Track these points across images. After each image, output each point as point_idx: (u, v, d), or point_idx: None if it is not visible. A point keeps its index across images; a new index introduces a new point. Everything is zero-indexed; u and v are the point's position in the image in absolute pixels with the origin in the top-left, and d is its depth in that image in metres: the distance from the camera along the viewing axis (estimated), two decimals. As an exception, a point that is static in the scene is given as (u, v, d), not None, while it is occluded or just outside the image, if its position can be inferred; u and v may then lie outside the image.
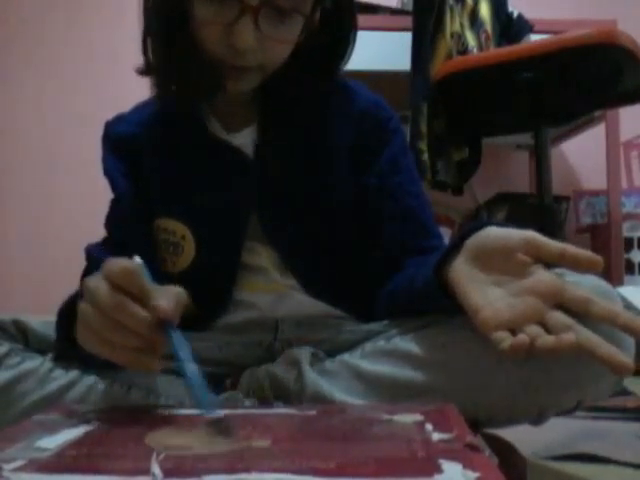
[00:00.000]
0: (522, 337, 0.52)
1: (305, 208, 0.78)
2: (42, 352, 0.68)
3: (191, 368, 0.52)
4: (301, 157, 0.79)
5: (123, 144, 0.81)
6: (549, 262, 0.56)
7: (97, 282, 0.53)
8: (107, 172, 0.83)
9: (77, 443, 0.44)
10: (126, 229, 0.80)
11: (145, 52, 0.75)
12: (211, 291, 0.77)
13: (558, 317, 0.53)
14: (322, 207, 0.79)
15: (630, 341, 0.59)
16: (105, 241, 0.82)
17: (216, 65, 0.71)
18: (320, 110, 0.80)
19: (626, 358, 0.51)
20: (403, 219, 0.79)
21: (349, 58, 0.79)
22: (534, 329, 0.52)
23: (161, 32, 0.73)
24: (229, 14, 0.66)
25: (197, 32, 0.70)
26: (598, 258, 0.54)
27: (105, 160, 0.83)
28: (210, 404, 0.51)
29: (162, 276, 0.77)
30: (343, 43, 0.78)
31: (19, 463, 0.39)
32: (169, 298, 0.53)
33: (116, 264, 0.53)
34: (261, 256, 0.78)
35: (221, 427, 0.48)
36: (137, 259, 0.55)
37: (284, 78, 0.75)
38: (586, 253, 0.54)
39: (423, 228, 0.80)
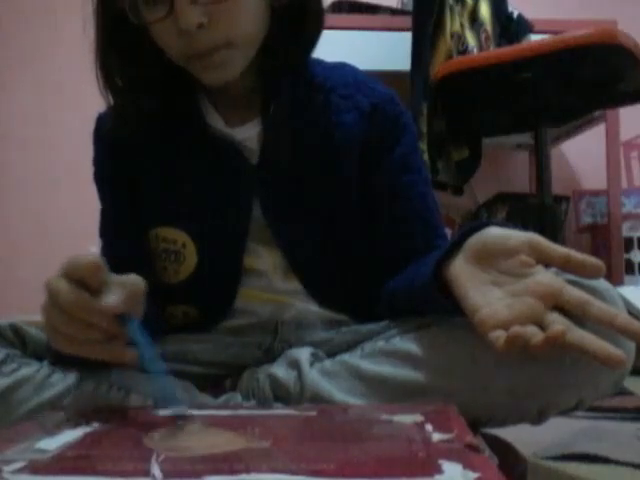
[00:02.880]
0: (515, 330, 0.51)
1: (312, 206, 0.77)
2: (40, 358, 0.68)
3: (148, 351, 0.53)
4: (309, 152, 0.77)
5: (116, 143, 0.79)
6: (550, 265, 0.56)
7: (56, 281, 0.53)
8: (97, 179, 0.81)
9: (77, 445, 0.44)
10: (121, 240, 0.79)
11: (106, 82, 0.73)
12: (213, 297, 0.77)
13: (555, 318, 0.53)
14: (330, 205, 0.77)
15: (630, 343, 0.59)
16: (101, 250, 0.81)
17: (183, 65, 0.70)
18: (330, 103, 0.78)
19: (618, 351, 0.51)
20: (411, 219, 0.78)
21: (322, 26, 0.75)
22: (531, 329, 0.52)
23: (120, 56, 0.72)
24: (165, 5, 0.65)
25: (157, 42, 0.69)
26: (601, 264, 0.54)
27: (96, 162, 0.82)
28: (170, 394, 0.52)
29: (163, 286, 0.77)
30: (313, 11, 0.74)
31: (19, 465, 0.39)
32: (121, 292, 0.53)
33: (74, 260, 0.53)
34: (262, 259, 0.77)
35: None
36: (93, 249, 0.55)
37: (277, 62, 0.73)
38: (589, 259, 0.54)
39: (431, 229, 0.79)
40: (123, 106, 0.74)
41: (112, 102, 0.75)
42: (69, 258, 0.53)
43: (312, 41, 0.76)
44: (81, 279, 0.52)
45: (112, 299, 0.52)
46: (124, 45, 0.72)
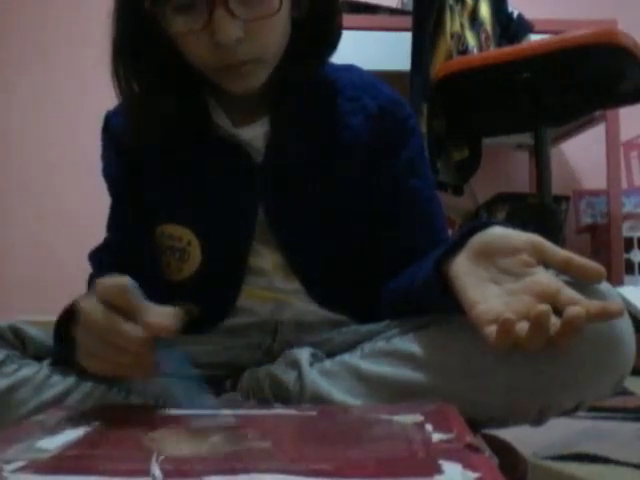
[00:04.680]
0: (506, 316, 0.51)
1: (315, 207, 0.77)
2: (40, 359, 0.68)
3: (184, 385, 0.53)
4: (315, 153, 0.77)
5: (124, 141, 0.79)
6: (551, 267, 0.56)
7: (90, 304, 0.54)
8: (106, 175, 0.82)
9: (77, 444, 0.44)
10: (127, 236, 0.79)
11: (119, 81, 0.72)
12: (215, 296, 0.77)
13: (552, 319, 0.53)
14: (333, 207, 0.77)
15: (630, 341, 0.59)
16: (107, 245, 0.82)
17: (209, 74, 0.70)
18: (337, 105, 0.78)
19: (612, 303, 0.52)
20: (415, 223, 0.78)
21: (339, 39, 0.76)
22: (524, 325, 0.52)
23: (145, 63, 0.72)
24: (201, 16, 0.65)
25: (184, 50, 0.69)
26: (602, 269, 0.54)
27: (104, 158, 0.82)
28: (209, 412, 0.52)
29: (166, 283, 0.77)
30: (330, 23, 0.75)
31: (19, 464, 0.39)
32: (163, 315, 0.53)
33: (109, 283, 0.54)
34: (264, 258, 0.77)
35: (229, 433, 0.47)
36: (129, 279, 0.55)
37: (291, 68, 0.74)
38: (590, 263, 0.54)
39: (434, 233, 0.79)
40: (141, 111, 0.74)
41: (127, 105, 0.75)
42: (100, 280, 0.54)
43: (328, 52, 0.77)
44: (111, 302, 0.53)
45: (144, 323, 0.52)
46: (143, 49, 0.71)
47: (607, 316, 0.52)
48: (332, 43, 0.76)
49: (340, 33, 0.76)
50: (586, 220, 2.26)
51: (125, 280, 0.54)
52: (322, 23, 0.74)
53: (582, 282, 0.56)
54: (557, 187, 1.78)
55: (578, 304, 0.52)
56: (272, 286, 0.77)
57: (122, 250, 0.79)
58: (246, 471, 0.36)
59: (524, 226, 0.59)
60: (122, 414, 0.56)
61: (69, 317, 0.59)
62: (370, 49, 1.73)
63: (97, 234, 0.83)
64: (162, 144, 0.78)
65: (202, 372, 0.74)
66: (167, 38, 0.69)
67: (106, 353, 0.54)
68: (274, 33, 0.70)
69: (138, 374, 0.56)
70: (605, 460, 0.77)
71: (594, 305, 0.51)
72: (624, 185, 2.11)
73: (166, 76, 0.74)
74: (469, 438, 0.42)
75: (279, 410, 0.56)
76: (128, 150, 0.79)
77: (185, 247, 0.77)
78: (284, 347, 0.75)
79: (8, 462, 0.39)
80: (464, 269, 0.59)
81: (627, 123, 1.99)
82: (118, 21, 0.71)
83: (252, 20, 0.66)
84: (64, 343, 0.61)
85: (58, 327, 0.63)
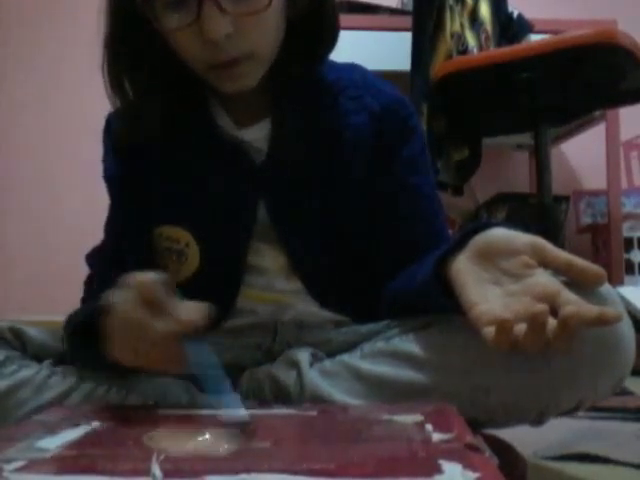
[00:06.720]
0: (504, 317, 0.52)
1: (317, 207, 0.77)
2: (39, 359, 0.68)
3: (213, 379, 0.53)
4: (317, 153, 0.77)
5: (123, 144, 0.79)
6: (552, 269, 0.56)
7: (123, 299, 0.55)
8: (106, 177, 0.82)
9: (77, 444, 0.44)
10: (125, 238, 0.79)
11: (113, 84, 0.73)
12: (214, 297, 0.77)
13: (550, 321, 0.53)
14: (335, 206, 0.77)
15: (630, 341, 0.59)
16: (104, 246, 0.81)
17: (201, 73, 0.70)
18: (339, 104, 0.78)
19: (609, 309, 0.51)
20: (416, 221, 0.78)
21: (337, 38, 0.76)
22: (523, 326, 0.52)
23: (134, 62, 0.71)
24: (190, 12, 0.64)
25: (176, 48, 0.69)
26: (603, 272, 0.55)
27: (105, 161, 0.82)
28: (235, 408, 0.51)
29: None
30: (328, 23, 0.75)
31: (19, 464, 0.39)
32: (193, 310, 0.55)
33: (144, 278, 0.55)
34: (265, 257, 0.77)
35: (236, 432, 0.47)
36: (161, 275, 0.56)
37: (289, 67, 0.73)
38: (592, 266, 0.55)
39: (434, 232, 0.79)
40: (136, 111, 0.74)
41: (120, 105, 0.75)
42: (134, 276, 0.56)
43: (325, 52, 0.77)
44: (144, 297, 0.54)
45: (174, 318, 0.54)
46: (135, 48, 0.71)
47: (604, 322, 0.52)
48: (330, 41, 0.76)
49: (338, 31, 0.76)
50: (586, 220, 2.26)
51: (158, 276, 0.55)
52: (319, 21, 0.74)
53: (583, 285, 0.56)
54: (557, 187, 1.78)
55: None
56: (272, 286, 0.77)
57: (119, 252, 0.79)
58: (246, 471, 0.36)
59: (526, 227, 0.59)
60: (122, 414, 0.55)
61: (92, 312, 0.59)
62: (370, 49, 1.73)
63: (97, 235, 0.83)
64: (163, 145, 0.78)
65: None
66: (161, 36, 0.69)
67: (140, 347, 0.55)
68: (265, 29, 0.69)
69: (169, 368, 0.57)
70: (605, 460, 0.77)
71: (592, 310, 0.51)
72: (624, 185, 2.11)
73: (160, 76, 0.73)
74: (469, 438, 0.42)
75: (279, 410, 0.57)
76: (129, 152, 0.79)
77: (183, 249, 0.77)
78: (284, 347, 0.75)
79: (8, 462, 0.39)
80: (464, 270, 0.59)
81: (627, 123, 1.99)
82: (109, 18, 0.70)
83: (242, 15, 0.65)
84: (85, 338, 0.61)
85: (75, 323, 0.64)
